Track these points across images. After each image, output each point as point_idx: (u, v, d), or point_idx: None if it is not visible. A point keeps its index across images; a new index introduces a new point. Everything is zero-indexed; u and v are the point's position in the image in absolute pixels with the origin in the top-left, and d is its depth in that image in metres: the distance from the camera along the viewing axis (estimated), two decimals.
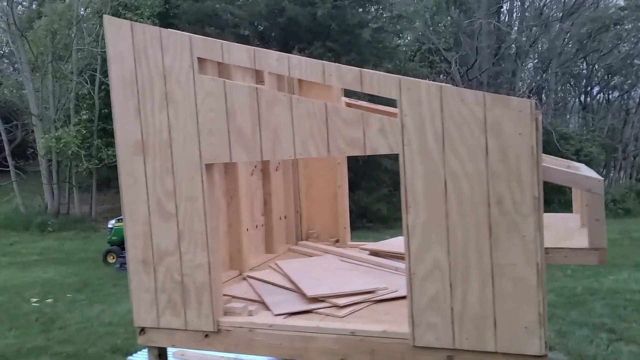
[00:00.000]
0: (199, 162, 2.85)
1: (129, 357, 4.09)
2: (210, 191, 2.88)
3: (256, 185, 4.56)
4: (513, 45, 20.63)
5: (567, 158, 18.03)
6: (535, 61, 23.01)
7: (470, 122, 2.34)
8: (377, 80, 2.48)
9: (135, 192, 3.00)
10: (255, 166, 4.57)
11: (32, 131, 15.55)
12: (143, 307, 3.05)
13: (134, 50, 2.91)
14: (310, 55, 12.91)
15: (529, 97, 21.17)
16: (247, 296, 3.45)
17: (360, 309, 3.06)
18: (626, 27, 21.18)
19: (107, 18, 2.96)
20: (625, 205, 17.57)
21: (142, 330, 3.08)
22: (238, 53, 2.73)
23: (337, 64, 2.57)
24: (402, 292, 3.04)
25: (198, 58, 2.81)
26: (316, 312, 3.04)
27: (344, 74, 2.54)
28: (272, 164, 4.69)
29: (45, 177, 14.33)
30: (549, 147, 17.91)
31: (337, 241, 5.01)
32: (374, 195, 14.18)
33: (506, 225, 2.33)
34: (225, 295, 3.52)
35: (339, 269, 3.83)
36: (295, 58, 2.62)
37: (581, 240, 2.76)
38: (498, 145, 2.31)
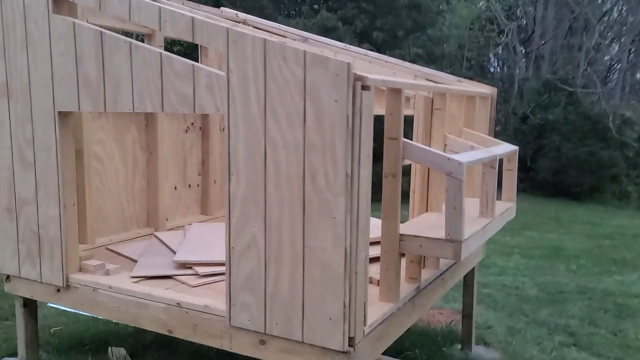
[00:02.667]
0: (53, 110, 2.70)
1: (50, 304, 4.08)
2: (64, 142, 2.74)
3: (192, 143, 4.39)
4: (582, 18, 19.05)
5: (626, 145, 16.64)
6: (612, 36, 21.17)
7: (290, 84, 2.04)
8: (207, 31, 2.22)
9: (0, 136, 2.92)
10: (192, 123, 4.40)
11: None
12: (8, 255, 2.99)
13: None
14: (343, 17, 12.41)
15: (606, 77, 19.53)
16: (133, 255, 3.34)
17: (222, 280, 2.87)
18: None
19: None
20: None
21: (8, 277, 3.04)
22: None
23: (173, 10, 2.31)
24: None
25: None
26: (175, 279, 2.89)
27: (177, 21, 2.29)
28: (214, 122, 4.50)
29: None
30: (606, 132, 16.51)
31: None
32: None
33: (318, 204, 2.04)
34: (113, 251, 3.44)
35: None
36: (135, 1, 2.39)
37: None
38: (315, 113, 2.01)
